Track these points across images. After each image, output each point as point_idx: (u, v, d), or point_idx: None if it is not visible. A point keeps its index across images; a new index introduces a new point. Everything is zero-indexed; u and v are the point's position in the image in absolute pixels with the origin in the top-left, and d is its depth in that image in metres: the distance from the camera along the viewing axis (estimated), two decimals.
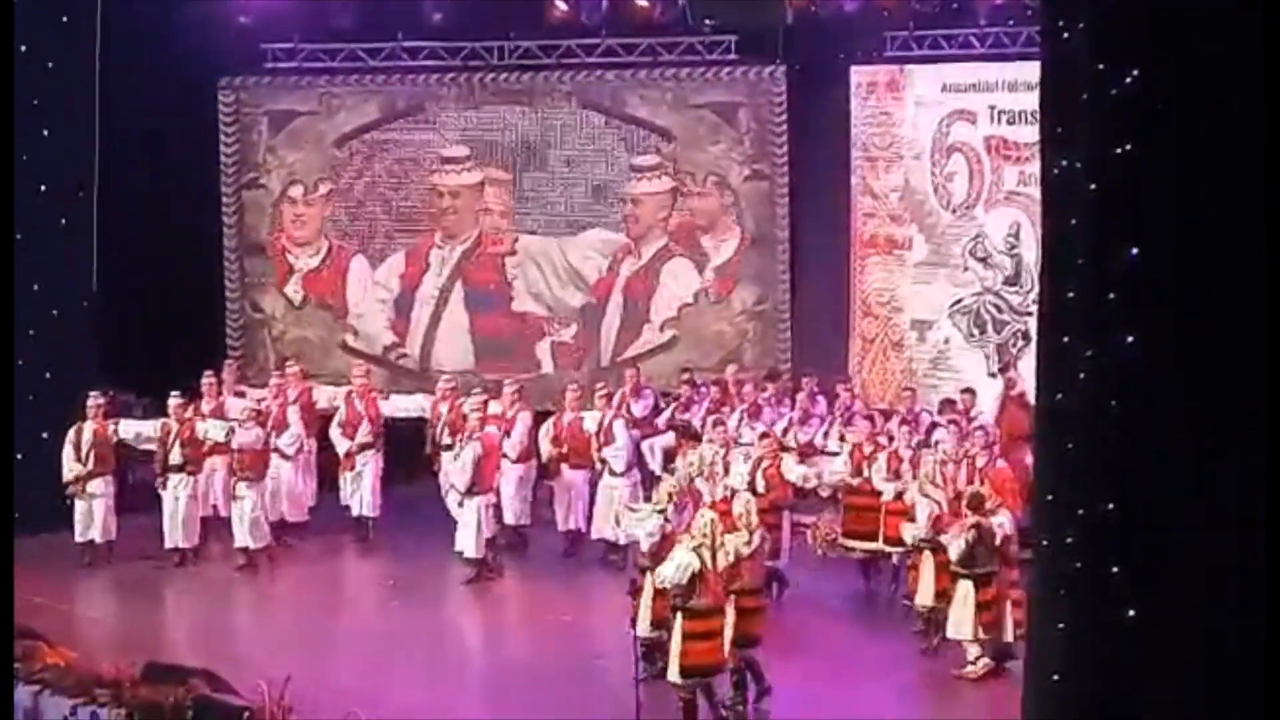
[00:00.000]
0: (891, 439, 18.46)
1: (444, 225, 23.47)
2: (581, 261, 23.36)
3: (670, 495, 15.44)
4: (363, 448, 20.61)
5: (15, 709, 15.15)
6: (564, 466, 19.91)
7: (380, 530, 20.58)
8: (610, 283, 23.35)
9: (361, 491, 20.60)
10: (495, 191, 23.39)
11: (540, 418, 20.38)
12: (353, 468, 20.62)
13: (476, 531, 18.89)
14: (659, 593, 14.58)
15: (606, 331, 23.39)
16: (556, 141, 23.26)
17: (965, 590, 15.60)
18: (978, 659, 15.60)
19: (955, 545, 15.68)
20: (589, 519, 19.78)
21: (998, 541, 15.66)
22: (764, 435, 18.45)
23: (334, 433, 20.81)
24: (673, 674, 14.16)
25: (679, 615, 14.14)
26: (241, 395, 21.03)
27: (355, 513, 20.67)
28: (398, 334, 23.56)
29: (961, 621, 15.60)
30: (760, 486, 17.35)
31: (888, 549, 17.75)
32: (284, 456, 20.32)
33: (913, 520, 16.59)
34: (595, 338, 23.40)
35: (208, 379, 20.48)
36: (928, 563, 16.39)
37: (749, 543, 14.65)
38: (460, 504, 19.06)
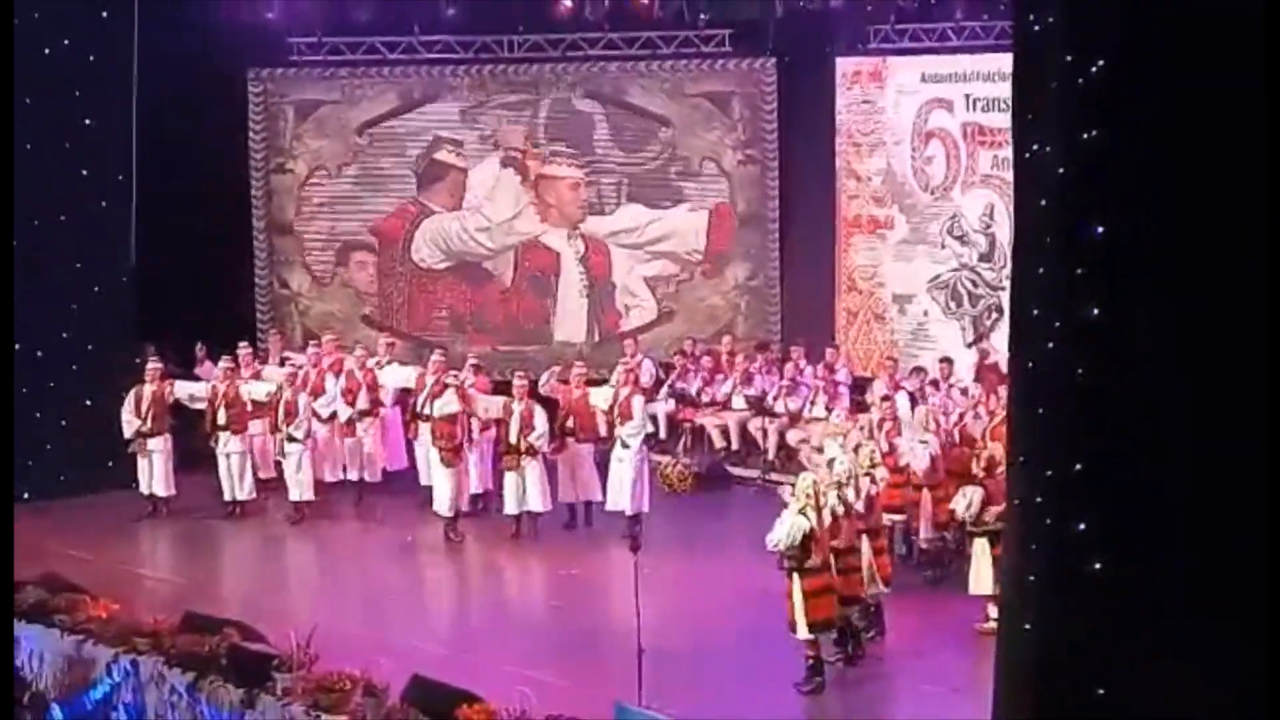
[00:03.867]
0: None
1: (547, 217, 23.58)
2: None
3: (808, 495, 14.22)
4: (363, 414, 20.32)
5: (62, 657, 15.20)
6: (570, 441, 19.18)
7: (394, 491, 20.46)
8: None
9: (362, 457, 20.34)
10: None
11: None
12: (353, 434, 20.32)
13: (540, 490, 18.79)
14: (810, 595, 14.05)
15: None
16: None
17: (981, 547, 15.41)
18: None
19: (961, 505, 15.65)
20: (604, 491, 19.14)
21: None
22: (885, 398, 17.98)
23: (337, 401, 20.46)
24: (802, 632, 14.07)
25: (796, 576, 14.02)
26: (285, 363, 20.93)
27: (356, 477, 20.39)
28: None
29: (981, 578, 15.39)
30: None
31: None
32: (321, 419, 20.29)
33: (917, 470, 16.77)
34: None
35: (243, 349, 20.46)
36: (926, 502, 16.70)
37: (843, 501, 14.56)
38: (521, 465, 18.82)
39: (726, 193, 23.10)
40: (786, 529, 13.98)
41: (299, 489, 19.59)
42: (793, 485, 14.68)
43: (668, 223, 23.30)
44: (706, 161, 23.08)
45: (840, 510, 14.44)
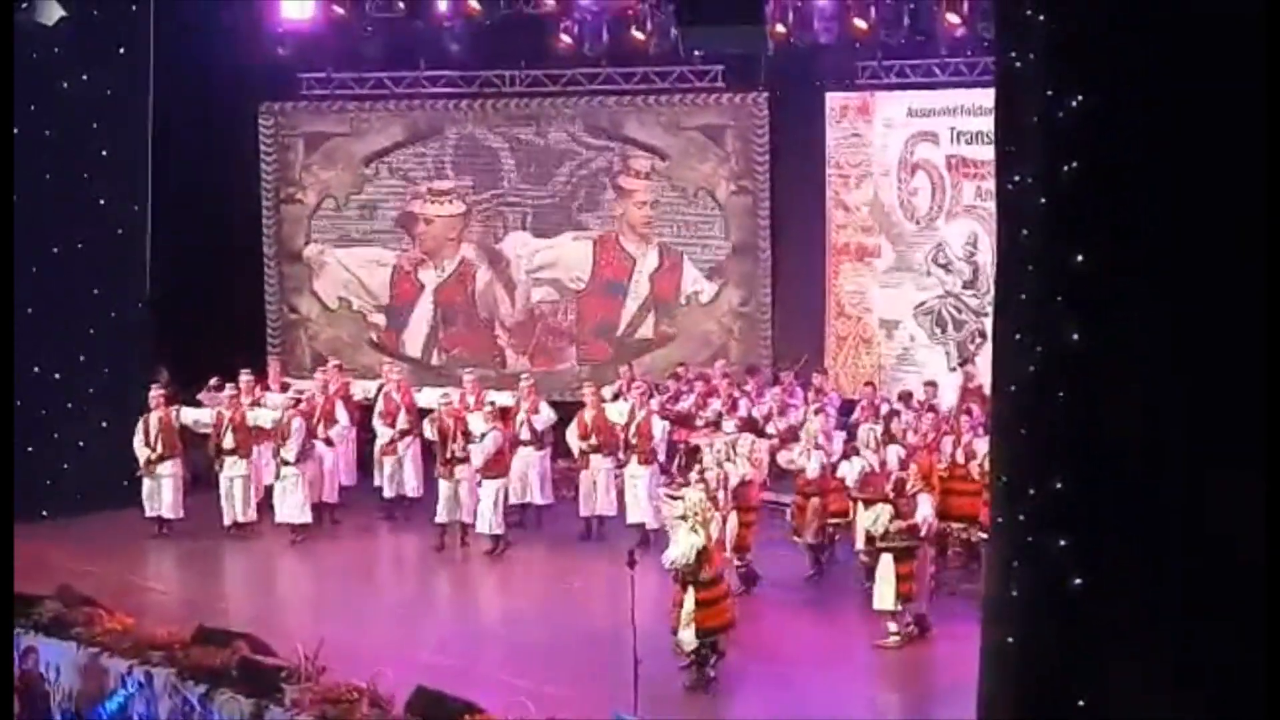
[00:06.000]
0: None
1: (424, 249, 23.49)
2: None
3: (703, 513, 14.61)
4: (403, 434, 20.37)
5: (78, 669, 15.20)
6: (592, 457, 19.54)
7: (407, 507, 20.48)
8: None
9: (403, 474, 20.43)
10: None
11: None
12: (395, 453, 20.45)
13: (494, 510, 18.81)
14: (700, 604, 14.31)
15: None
16: None
17: (886, 564, 15.46)
18: (898, 631, 15.45)
19: (869, 520, 15.67)
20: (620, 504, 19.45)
21: (917, 521, 15.58)
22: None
23: (376, 422, 20.64)
24: (687, 637, 14.15)
25: (690, 589, 14.14)
26: (286, 388, 21.08)
27: (393, 494, 20.40)
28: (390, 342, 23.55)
29: (884, 594, 15.46)
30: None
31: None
32: (329, 444, 20.26)
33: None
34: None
35: (245, 376, 20.40)
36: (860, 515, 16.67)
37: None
38: (480, 484, 18.97)
39: (616, 222, 23.16)
40: (683, 549, 14.14)
41: (293, 512, 19.50)
42: (671, 501, 14.97)
43: (555, 251, 23.34)
44: (607, 188, 23.16)
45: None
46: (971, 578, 17.13)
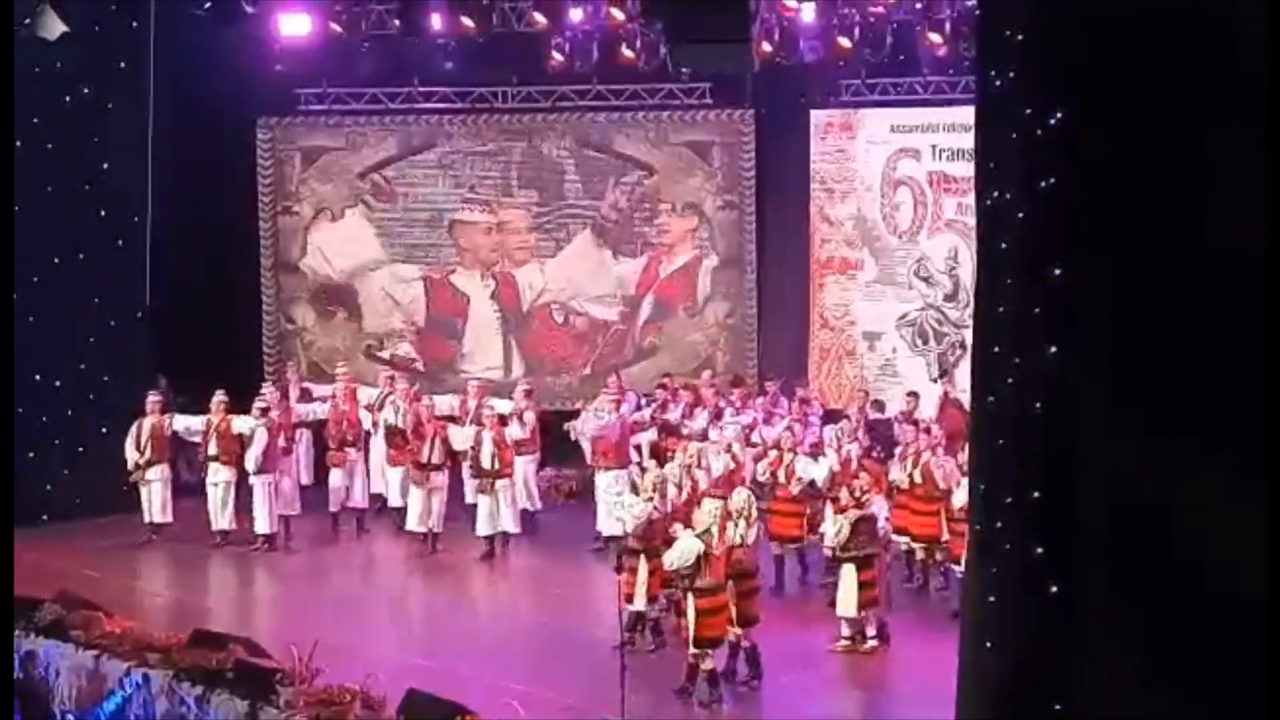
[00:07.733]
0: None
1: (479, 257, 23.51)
2: None
3: (655, 485, 15.20)
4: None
5: (77, 671, 15.16)
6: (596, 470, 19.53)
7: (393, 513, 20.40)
8: None
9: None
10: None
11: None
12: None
13: (488, 514, 18.75)
14: (652, 572, 14.37)
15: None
16: None
17: (849, 572, 15.30)
18: (854, 635, 15.33)
19: (830, 530, 15.60)
20: None
21: (878, 527, 15.53)
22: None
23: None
24: (691, 646, 14.07)
25: (690, 595, 13.98)
26: (307, 394, 20.99)
27: (403, 503, 19.98)
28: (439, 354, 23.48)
29: (847, 601, 15.30)
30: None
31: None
32: (355, 449, 20.23)
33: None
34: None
35: (271, 392, 20.18)
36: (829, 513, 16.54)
37: (745, 534, 14.43)
38: (477, 490, 18.90)
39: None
40: (679, 553, 13.99)
41: (257, 522, 19.34)
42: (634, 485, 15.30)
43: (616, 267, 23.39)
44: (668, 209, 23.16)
45: (737, 540, 14.30)
46: (930, 590, 17.23)
